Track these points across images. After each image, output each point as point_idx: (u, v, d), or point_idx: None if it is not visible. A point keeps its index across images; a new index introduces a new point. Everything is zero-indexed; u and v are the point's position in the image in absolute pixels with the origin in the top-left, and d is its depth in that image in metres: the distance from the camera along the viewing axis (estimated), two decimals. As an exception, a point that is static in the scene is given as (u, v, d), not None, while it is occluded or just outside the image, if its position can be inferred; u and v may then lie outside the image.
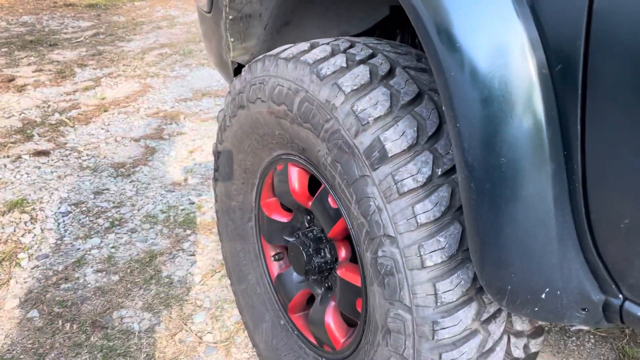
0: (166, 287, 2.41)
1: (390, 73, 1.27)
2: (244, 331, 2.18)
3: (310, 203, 1.61)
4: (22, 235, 2.70)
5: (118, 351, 2.06)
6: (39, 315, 2.22)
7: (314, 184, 1.58)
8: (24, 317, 2.21)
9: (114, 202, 3.01)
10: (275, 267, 1.89)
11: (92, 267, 2.52)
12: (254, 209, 1.87)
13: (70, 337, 2.11)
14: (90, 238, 2.71)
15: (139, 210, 2.96)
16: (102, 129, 3.96)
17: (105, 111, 4.26)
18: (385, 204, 1.16)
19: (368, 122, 1.19)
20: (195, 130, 4.01)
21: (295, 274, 1.78)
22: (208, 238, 2.75)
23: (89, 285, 2.41)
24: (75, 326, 2.17)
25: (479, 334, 1.18)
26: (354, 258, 1.55)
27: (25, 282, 2.40)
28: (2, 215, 2.84)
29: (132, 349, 2.08)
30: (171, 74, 5.21)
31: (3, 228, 2.74)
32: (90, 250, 2.63)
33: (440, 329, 1.13)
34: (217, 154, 1.90)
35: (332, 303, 1.62)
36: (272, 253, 1.89)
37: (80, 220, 2.84)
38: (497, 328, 1.22)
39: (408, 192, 1.13)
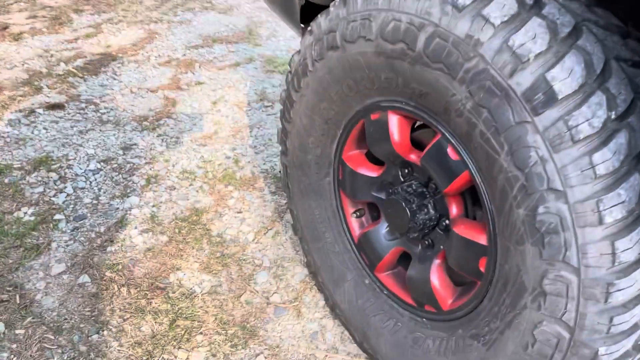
0: (220, 247, 2.28)
1: (538, 1, 1.10)
2: (312, 289, 2.08)
3: (411, 155, 1.47)
4: (54, 196, 2.52)
5: (184, 315, 1.95)
6: (90, 280, 2.08)
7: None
8: (75, 283, 2.07)
9: (145, 158, 2.82)
10: (357, 225, 1.77)
11: (136, 227, 2.36)
12: (332, 163, 1.72)
13: (130, 302, 1.99)
14: (128, 197, 2.54)
15: (173, 166, 2.78)
16: (114, 79, 3.71)
17: (113, 60, 3.99)
18: (552, 154, 1.02)
19: (528, 59, 1.04)
20: (214, 79, 3.78)
21: (385, 231, 1.66)
22: (252, 194, 2.61)
23: (137, 246, 2.26)
24: (132, 290, 2.04)
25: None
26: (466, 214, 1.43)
27: (68, 246, 2.25)
28: (28, 174, 2.64)
29: (198, 312, 1.96)
30: (175, 19, 4.89)
31: (32, 188, 2.55)
32: (130, 210, 2.47)
33: (615, 291, 1.03)
34: (288, 102, 1.73)
35: (437, 261, 1.51)
36: (353, 210, 1.76)
37: (113, 178, 2.66)
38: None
39: (583, 140, 1.00)
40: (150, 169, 2.74)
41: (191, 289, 2.07)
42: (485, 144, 1.14)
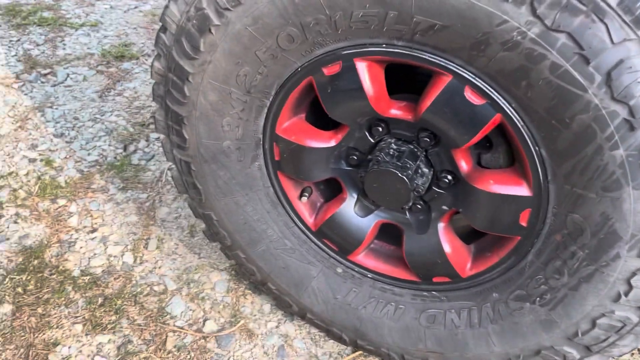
0: (95, 289, 1.65)
1: None
2: (245, 296, 1.66)
3: (391, 109, 1.13)
4: None
5: (105, 407, 1.38)
6: None
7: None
8: None
9: None
10: (307, 209, 1.38)
11: None
12: (262, 143, 1.27)
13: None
14: None
15: (-43, 197, 1.90)
16: None
17: None
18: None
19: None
20: None
21: (356, 208, 1.32)
22: (96, 200, 1.95)
23: None
24: None
25: None
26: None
27: None
28: None
29: (122, 394, 1.41)
30: None
31: None
32: None
33: None
34: (176, 76, 1.19)
35: (441, 224, 1.24)
36: (298, 192, 1.36)
37: None
38: None
39: None
40: None
41: (90, 363, 1.47)
42: (559, 79, 0.86)
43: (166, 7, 1.13)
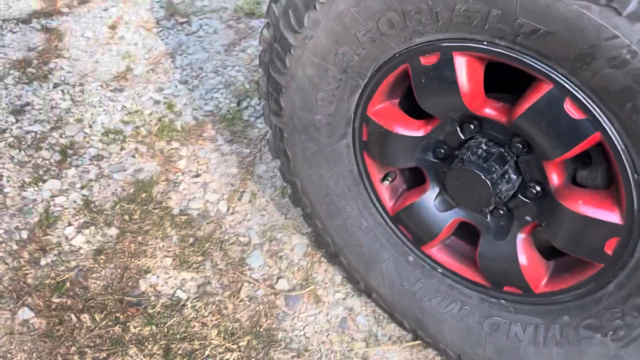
0: (189, 229, 1.81)
1: None
2: (320, 263, 1.72)
3: (486, 109, 1.08)
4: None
5: (178, 335, 1.53)
6: (35, 314, 1.56)
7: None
8: (14, 324, 1.54)
9: (49, 122, 2.15)
10: (389, 193, 1.39)
11: (69, 223, 1.81)
12: (352, 122, 1.29)
13: (100, 335, 1.52)
14: (44, 181, 1.93)
15: (90, 126, 2.15)
16: (-36, 12, 2.79)
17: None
18: None
19: None
20: (101, -6, 2.97)
21: (437, 201, 1.30)
22: (204, 147, 2.09)
23: (81, 250, 1.73)
24: (97, 316, 1.56)
25: None
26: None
27: (-17, 269, 1.67)
28: None
29: (194, 328, 1.55)
30: None
31: None
32: (53, 200, 1.88)
33: None
34: (280, 46, 1.23)
35: (522, 235, 1.19)
36: (381, 175, 1.37)
37: (13, 158, 2.01)
38: None
39: None
40: (62, 136, 2.10)
41: (174, 295, 1.63)
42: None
43: (281, -20, 1.17)
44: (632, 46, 0.77)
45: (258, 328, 1.56)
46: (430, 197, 1.31)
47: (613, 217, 0.99)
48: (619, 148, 0.91)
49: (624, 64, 0.79)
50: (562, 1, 0.80)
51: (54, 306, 1.58)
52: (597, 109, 0.89)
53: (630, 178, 0.92)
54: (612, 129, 0.90)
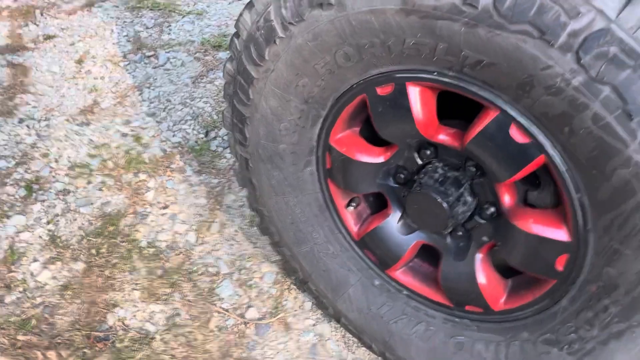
0: (157, 261, 1.81)
1: None
2: (290, 290, 1.73)
3: (440, 135, 1.14)
4: None
5: (147, 369, 1.52)
6: (0, 354, 1.53)
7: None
8: (-23, 363, 1.51)
9: (14, 158, 2.14)
10: (354, 218, 1.42)
11: (35, 258, 1.79)
12: (315, 150, 1.33)
13: (67, 373, 1.50)
14: (8, 217, 1.91)
15: (56, 161, 2.14)
16: None
17: None
18: None
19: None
20: (67, 28, 2.98)
21: (399, 224, 1.34)
22: (172, 179, 2.11)
23: (47, 286, 1.71)
24: (64, 353, 1.54)
25: None
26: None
27: (-55, 309, 1.64)
28: None
29: (164, 358, 1.54)
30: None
31: None
32: (17, 235, 1.86)
33: None
34: (243, 79, 1.27)
35: (480, 256, 1.24)
36: (346, 201, 1.41)
37: (-23, 194, 1.99)
38: None
39: None
40: (27, 171, 2.09)
41: (142, 328, 1.62)
42: (601, 130, 0.84)
43: (240, 14, 1.22)
44: (565, 75, 0.83)
45: (228, 358, 1.56)
46: (392, 221, 1.35)
47: (561, 234, 1.04)
48: (561, 169, 0.96)
49: (560, 92, 0.85)
50: (501, 35, 0.86)
51: (19, 344, 1.55)
52: (540, 134, 0.95)
53: (574, 197, 0.97)
54: (555, 152, 0.95)
